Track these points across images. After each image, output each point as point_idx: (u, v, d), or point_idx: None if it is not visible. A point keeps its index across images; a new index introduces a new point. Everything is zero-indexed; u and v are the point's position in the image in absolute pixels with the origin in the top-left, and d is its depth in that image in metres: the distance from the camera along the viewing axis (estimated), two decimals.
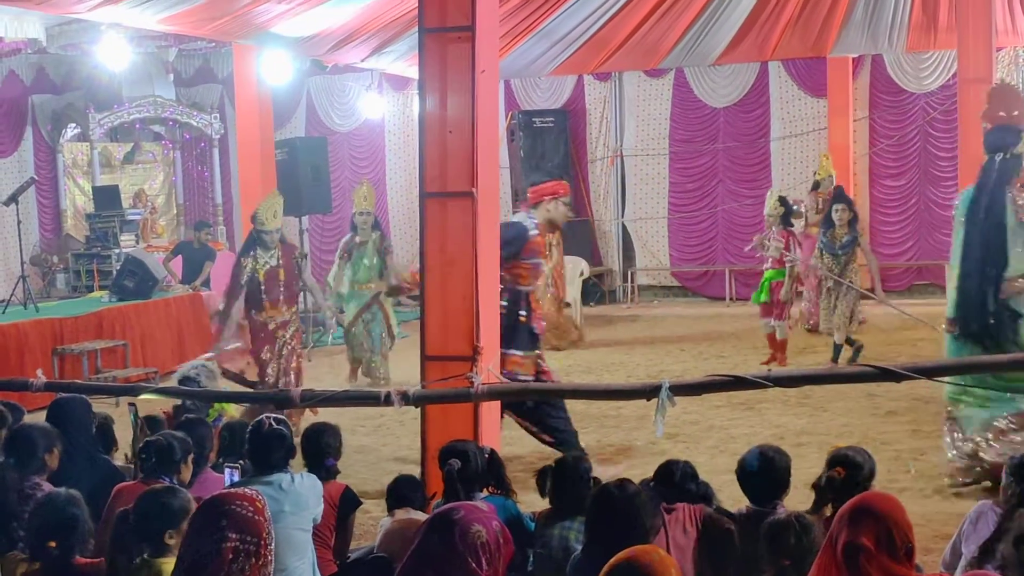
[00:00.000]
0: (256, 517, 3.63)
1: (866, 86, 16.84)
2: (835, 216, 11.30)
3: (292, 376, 9.27)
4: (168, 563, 3.99)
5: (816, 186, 13.70)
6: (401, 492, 5.44)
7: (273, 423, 5.02)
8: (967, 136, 10.47)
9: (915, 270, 16.62)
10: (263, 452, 4.99)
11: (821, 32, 15.12)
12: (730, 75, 17.31)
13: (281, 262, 9.27)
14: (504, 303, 7.18)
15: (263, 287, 9.17)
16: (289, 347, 9.34)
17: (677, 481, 4.90)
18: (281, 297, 9.28)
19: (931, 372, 5.92)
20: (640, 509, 4.30)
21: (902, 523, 3.62)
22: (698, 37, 15.26)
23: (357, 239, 11.55)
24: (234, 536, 3.55)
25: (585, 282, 16.02)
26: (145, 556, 4.04)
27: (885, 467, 7.59)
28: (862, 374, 6.25)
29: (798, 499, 4.85)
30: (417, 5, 6.52)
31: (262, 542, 3.62)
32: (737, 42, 15.34)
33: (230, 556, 3.51)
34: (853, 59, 16.47)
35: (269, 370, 9.16)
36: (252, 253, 9.26)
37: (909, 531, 3.64)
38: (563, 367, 12.29)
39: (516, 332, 7.50)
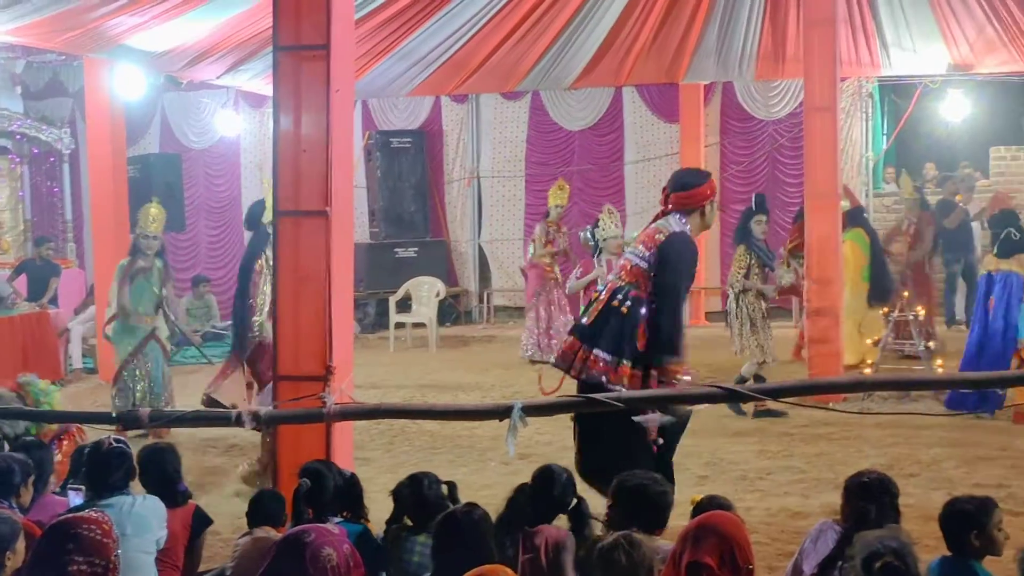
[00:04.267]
0: (104, 540, 3.59)
1: (717, 113, 17.24)
2: (758, 228, 10.49)
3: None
4: None
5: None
6: (264, 508, 5.26)
7: (113, 442, 4.92)
8: (812, 163, 10.77)
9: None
10: (103, 473, 4.88)
11: (674, 59, 15.42)
12: (585, 99, 17.57)
13: None
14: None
15: None
16: None
17: (557, 493, 4.88)
18: None
19: (776, 393, 6.08)
20: (486, 533, 4.31)
21: (744, 544, 3.73)
22: (554, 61, 15.43)
23: (140, 263, 10.12)
24: (81, 560, 3.50)
25: (441, 302, 16.06)
26: None
27: (732, 487, 7.78)
28: (709, 395, 6.38)
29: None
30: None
31: (110, 564, 3.57)
32: (592, 67, 15.56)
33: None
34: (704, 86, 16.83)
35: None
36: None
37: (750, 552, 3.75)
38: (418, 388, 12.30)
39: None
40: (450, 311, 17.71)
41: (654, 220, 6.66)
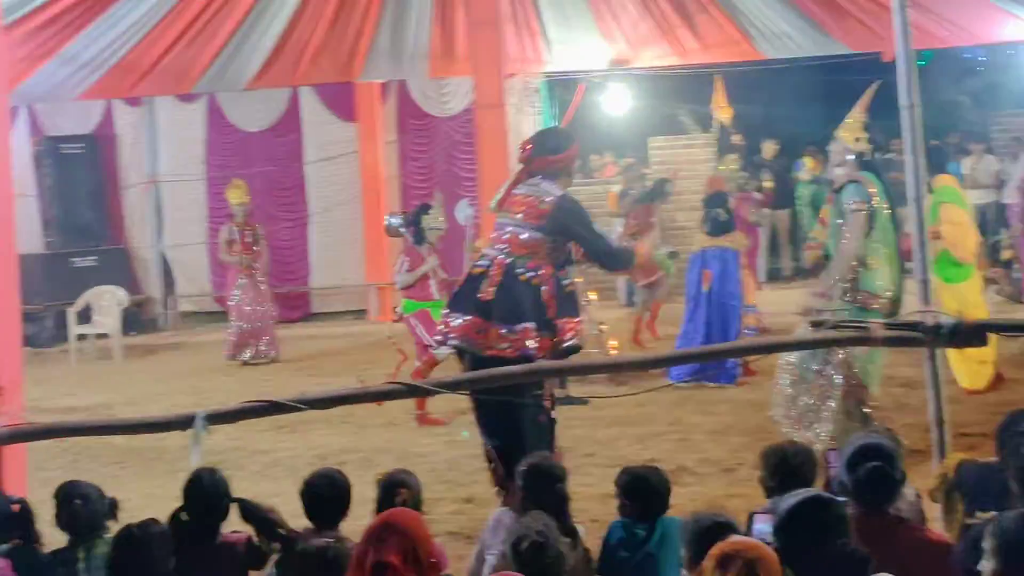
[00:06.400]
0: None
1: (394, 111, 17.44)
2: None
3: None
4: None
5: None
6: None
7: None
8: (483, 157, 11.12)
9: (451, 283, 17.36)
10: None
11: (349, 58, 15.46)
12: (263, 100, 17.38)
13: None
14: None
15: None
16: None
17: (211, 500, 4.92)
18: None
19: (454, 386, 6.29)
20: (163, 550, 4.30)
21: (425, 538, 3.85)
22: (228, 62, 15.20)
23: None
24: None
25: (124, 311, 15.60)
26: None
27: (423, 479, 7.95)
28: (392, 391, 6.53)
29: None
30: None
31: None
32: (268, 67, 15.39)
33: None
34: (381, 84, 17.00)
35: None
36: None
37: (432, 545, 3.92)
38: (103, 400, 11.92)
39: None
40: (135, 320, 17.21)
41: (516, 183, 6.72)
